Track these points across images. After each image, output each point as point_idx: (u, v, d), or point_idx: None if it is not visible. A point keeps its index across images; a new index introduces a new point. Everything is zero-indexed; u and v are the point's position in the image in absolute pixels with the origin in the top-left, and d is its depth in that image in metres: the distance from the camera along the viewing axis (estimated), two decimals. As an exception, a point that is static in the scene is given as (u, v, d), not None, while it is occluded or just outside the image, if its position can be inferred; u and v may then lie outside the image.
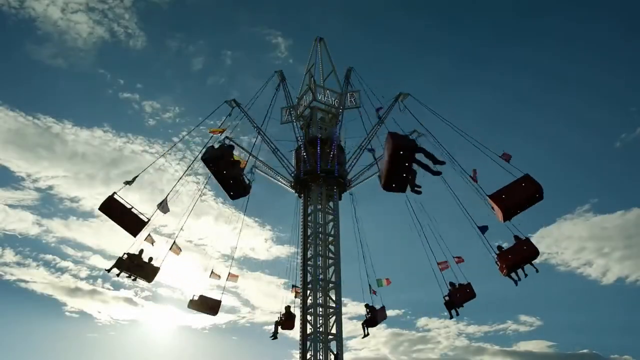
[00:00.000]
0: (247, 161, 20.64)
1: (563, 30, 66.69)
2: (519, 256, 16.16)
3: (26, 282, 52.65)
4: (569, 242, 59.75)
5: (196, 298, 20.70)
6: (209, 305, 20.83)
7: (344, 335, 21.89)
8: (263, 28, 66.65)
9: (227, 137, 18.69)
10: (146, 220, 18.35)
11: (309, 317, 21.72)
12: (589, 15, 66.13)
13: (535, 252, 16.23)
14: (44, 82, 60.02)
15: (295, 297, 22.56)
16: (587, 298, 61.53)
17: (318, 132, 24.99)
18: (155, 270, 19.07)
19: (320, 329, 21.39)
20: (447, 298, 20.62)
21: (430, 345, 58.46)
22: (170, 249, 19.59)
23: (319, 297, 21.89)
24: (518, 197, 15.51)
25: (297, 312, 22.41)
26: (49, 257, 54.84)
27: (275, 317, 21.78)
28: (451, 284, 20.73)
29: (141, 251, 18.85)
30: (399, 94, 23.77)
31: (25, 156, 53.69)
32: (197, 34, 69.11)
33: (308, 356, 21.02)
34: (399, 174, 15.15)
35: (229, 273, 21.74)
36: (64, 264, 55.47)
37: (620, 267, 58.37)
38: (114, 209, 17.85)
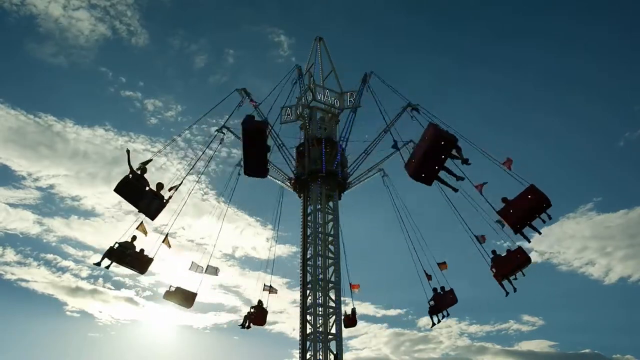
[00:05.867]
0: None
1: (563, 30, 66.71)
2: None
3: (27, 281, 52.78)
4: (571, 241, 59.77)
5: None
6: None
7: (343, 335, 21.93)
8: (265, 26, 66.68)
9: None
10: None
11: (308, 317, 21.72)
12: (589, 15, 66.12)
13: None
14: (45, 80, 60.15)
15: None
16: (589, 298, 61.58)
17: (318, 132, 24.99)
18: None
19: (320, 329, 21.38)
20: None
21: (431, 345, 58.51)
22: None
23: (319, 297, 21.89)
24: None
25: (297, 311, 22.50)
26: (50, 256, 54.96)
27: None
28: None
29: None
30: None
31: (26, 155, 53.83)
32: (200, 32, 69.26)
33: (308, 356, 21.03)
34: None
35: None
36: (65, 263, 55.61)
37: (623, 266, 58.41)
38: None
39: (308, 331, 21.54)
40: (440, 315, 20.88)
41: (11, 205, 53.09)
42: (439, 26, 71.70)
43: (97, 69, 61.02)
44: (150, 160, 17.60)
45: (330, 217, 23.88)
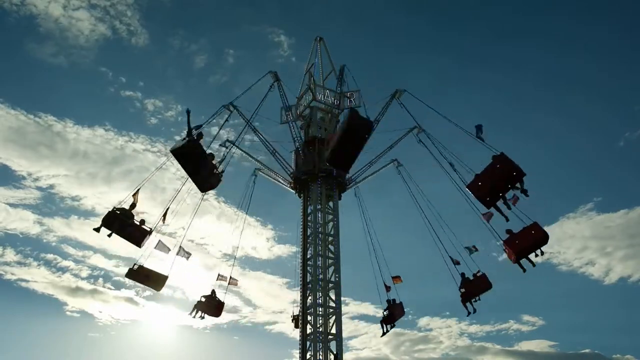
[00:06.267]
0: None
1: (563, 30, 66.72)
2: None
3: (27, 281, 52.75)
4: (571, 241, 59.71)
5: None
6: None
7: (344, 335, 21.95)
8: (265, 26, 66.65)
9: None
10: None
11: (309, 317, 21.72)
12: (589, 15, 66.13)
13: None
14: (45, 80, 60.15)
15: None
16: (589, 298, 61.55)
17: (318, 132, 25.00)
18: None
19: (320, 329, 21.39)
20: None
21: (432, 345, 58.48)
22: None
23: (319, 297, 21.89)
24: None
25: (297, 311, 22.47)
26: (50, 256, 54.94)
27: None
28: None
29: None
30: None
31: (26, 155, 53.81)
32: (200, 32, 69.22)
33: (308, 356, 21.04)
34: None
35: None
36: (65, 263, 55.57)
37: (623, 266, 58.35)
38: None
39: (308, 331, 21.55)
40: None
41: (11, 205, 53.14)
42: (439, 26, 71.75)
43: (97, 69, 61.09)
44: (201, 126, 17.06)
45: (330, 217, 23.89)
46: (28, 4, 53.35)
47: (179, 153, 15.87)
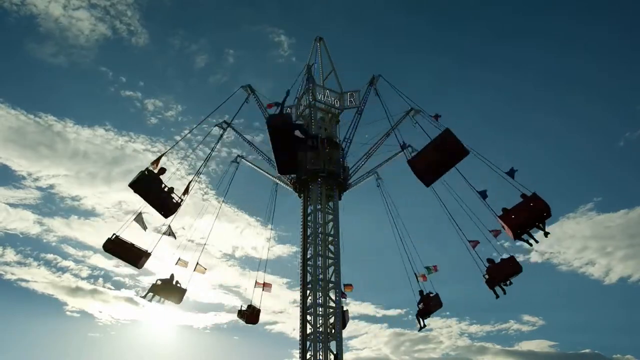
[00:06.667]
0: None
1: (563, 30, 66.73)
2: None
3: (27, 281, 52.88)
4: (571, 241, 59.78)
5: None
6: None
7: (344, 335, 21.92)
8: (265, 26, 66.77)
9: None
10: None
11: (309, 317, 21.72)
12: (589, 15, 66.13)
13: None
14: (45, 80, 60.33)
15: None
16: (589, 298, 61.66)
17: (318, 132, 24.94)
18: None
19: (320, 329, 21.38)
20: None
21: (432, 345, 58.53)
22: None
23: (319, 297, 21.89)
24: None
25: (297, 311, 22.52)
26: (50, 256, 55.02)
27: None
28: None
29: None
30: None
31: (26, 155, 53.93)
32: (200, 32, 69.37)
33: (308, 356, 21.02)
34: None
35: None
36: (65, 263, 55.66)
37: (623, 266, 58.37)
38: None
39: (308, 331, 21.54)
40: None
41: (11, 205, 53.22)
42: (439, 26, 71.84)
43: (97, 69, 61.19)
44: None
45: (330, 217, 23.88)
46: (28, 4, 53.51)
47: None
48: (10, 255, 53.25)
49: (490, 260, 18.83)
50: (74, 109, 61.27)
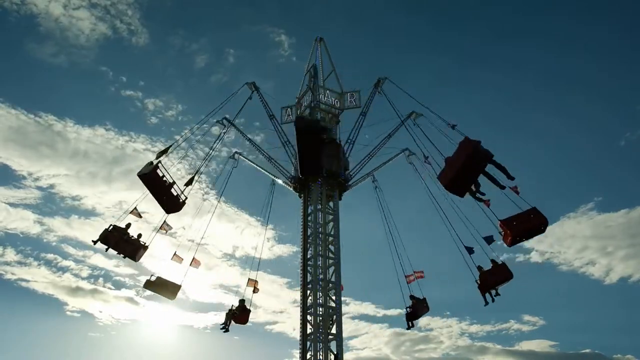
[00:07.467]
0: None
1: (563, 30, 66.75)
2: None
3: (27, 281, 52.88)
4: (571, 241, 59.76)
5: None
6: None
7: (344, 335, 21.93)
8: (265, 26, 66.78)
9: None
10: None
11: (309, 317, 21.73)
12: (589, 15, 66.15)
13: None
14: (46, 80, 60.31)
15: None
16: (590, 298, 61.64)
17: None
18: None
19: (321, 329, 21.39)
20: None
21: (432, 345, 58.54)
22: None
23: (319, 297, 21.90)
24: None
25: (297, 311, 22.52)
26: (50, 256, 55.02)
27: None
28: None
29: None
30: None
31: (27, 154, 53.97)
32: (200, 32, 69.43)
33: (308, 356, 21.03)
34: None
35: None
36: (65, 263, 55.66)
37: (624, 266, 58.32)
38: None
39: (308, 331, 21.55)
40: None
41: (11, 204, 53.22)
42: (439, 26, 71.83)
43: (97, 69, 61.19)
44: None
45: (331, 217, 23.89)
46: (28, 3, 53.52)
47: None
48: (11, 255, 53.31)
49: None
50: (75, 109, 61.29)
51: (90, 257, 56.67)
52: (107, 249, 17.91)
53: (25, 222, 54.02)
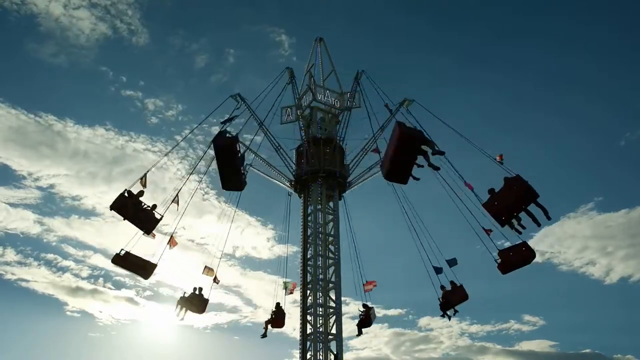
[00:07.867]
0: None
1: (563, 30, 66.78)
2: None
3: (27, 281, 52.71)
4: (572, 241, 59.66)
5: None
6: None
7: (344, 335, 22.00)
8: (266, 26, 66.73)
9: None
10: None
11: (309, 317, 21.75)
12: (589, 15, 66.20)
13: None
14: (46, 80, 60.24)
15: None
16: (590, 298, 61.55)
17: (318, 132, 25.02)
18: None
19: (320, 329, 21.41)
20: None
21: (432, 345, 58.41)
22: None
23: (319, 297, 21.91)
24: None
25: (297, 311, 22.53)
26: (50, 256, 54.91)
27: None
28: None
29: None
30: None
31: (27, 154, 53.92)
32: (200, 32, 69.44)
33: (308, 356, 21.06)
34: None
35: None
36: (65, 263, 55.52)
37: (624, 266, 58.20)
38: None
39: (308, 331, 21.57)
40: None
41: (11, 205, 53.14)
42: (439, 26, 71.82)
43: (97, 69, 61.12)
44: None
45: (331, 217, 23.91)
46: (28, 3, 53.45)
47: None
48: (11, 255, 53.20)
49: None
50: (75, 109, 61.25)
51: (90, 257, 56.61)
52: (124, 219, 16.65)
53: (25, 222, 53.96)
